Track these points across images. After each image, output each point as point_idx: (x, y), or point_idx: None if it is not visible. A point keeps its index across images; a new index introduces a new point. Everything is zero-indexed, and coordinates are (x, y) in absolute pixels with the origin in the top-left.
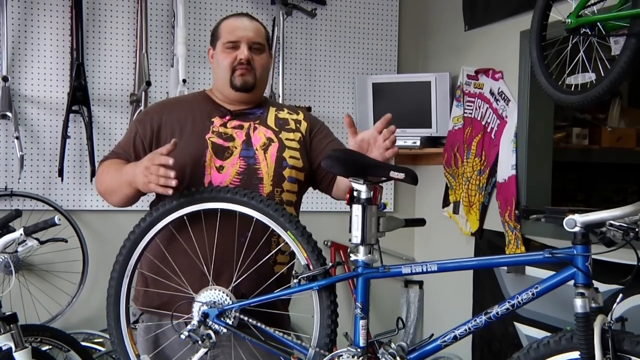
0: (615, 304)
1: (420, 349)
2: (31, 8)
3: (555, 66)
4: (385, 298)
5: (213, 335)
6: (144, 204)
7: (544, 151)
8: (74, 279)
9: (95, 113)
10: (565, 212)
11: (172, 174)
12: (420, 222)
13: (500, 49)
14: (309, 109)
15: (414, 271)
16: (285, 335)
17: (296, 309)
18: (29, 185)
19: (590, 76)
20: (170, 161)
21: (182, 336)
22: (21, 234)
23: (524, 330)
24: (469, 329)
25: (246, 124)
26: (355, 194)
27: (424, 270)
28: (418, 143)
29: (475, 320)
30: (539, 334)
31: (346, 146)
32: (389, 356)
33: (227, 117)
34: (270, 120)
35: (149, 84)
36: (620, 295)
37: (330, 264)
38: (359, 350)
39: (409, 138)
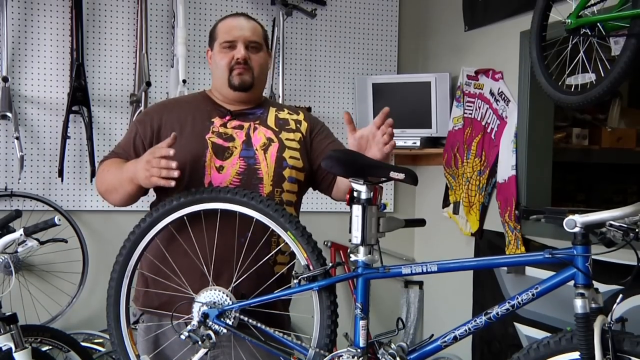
0: (615, 305)
1: (420, 350)
2: (31, 8)
3: (555, 66)
4: (385, 298)
5: (213, 335)
6: (144, 204)
7: (544, 151)
8: (74, 279)
9: (95, 113)
10: (565, 213)
11: (173, 164)
12: (420, 222)
13: (500, 49)
14: (309, 109)
15: (414, 271)
16: (285, 336)
17: (296, 310)
18: (29, 185)
19: (590, 76)
20: (172, 152)
21: (182, 336)
22: (21, 235)
23: (524, 330)
24: (469, 329)
25: (246, 124)
26: (355, 194)
27: (424, 270)
28: (418, 143)
29: (475, 320)
30: (539, 334)
31: (346, 144)
32: (389, 356)
33: (227, 117)
34: (271, 121)
35: (149, 84)
36: (620, 295)
37: (330, 264)
38: (359, 350)
39: (409, 138)
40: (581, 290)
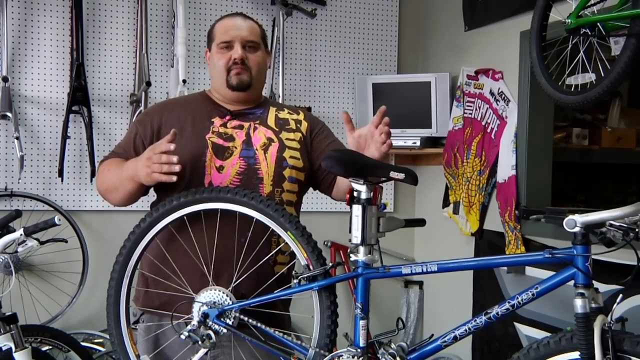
0: (615, 304)
1: (420, 349)
2: (31, 8)
3: (555, 66)
4: (385, 298)
5: (213, 335)
6: (144, 204)
7: (544, 151)
8: (74, 279)
9: (95, 113)
10: (565, 213)
11: (174, 158)
12: (420, 222)
13: (500, 49)
14: (309, 109)
15: (414, 271)
16: (285, 336)
17: (296, 309)
18: (29, 185)
19: (590, 76)
20: (172, 146)
21: (182, 336)
22: (21, 234)
23: (524, 330)
24: (469, 329)
25: (246, 124)
26: (355, 194)
27: (424, 270)
28: (418, 143)
29: (475, 320)
30: (539, 334)
31: (346, 144)
32: (389, 356)
33: (227, 117)
34: (271, 120)
35: (149, 84)
36: (620, 295)
37: (330, 264)
38: (359, 350)
39: (409, 138)
40: (581, 290)
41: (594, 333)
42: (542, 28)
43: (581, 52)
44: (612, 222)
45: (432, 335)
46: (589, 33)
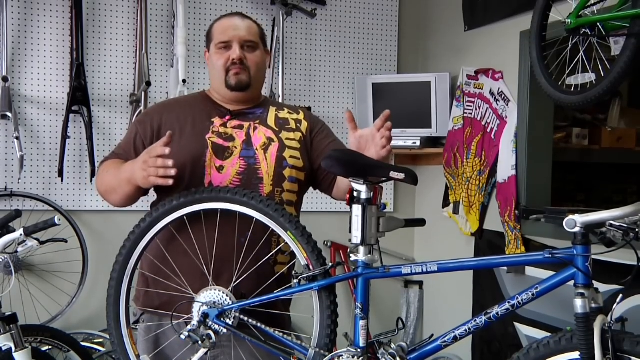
0: (615, 305)
1: (420, 349)
2: (31, 8)
3: (555, 66)
4: (385, 298)
5: (213, 335)
6: (144, 204)
7: (544, 151)
8: (74, 279)
9: (95, 113)
10: (565, 213)
11: (170, 162)
12: (420, 222)
13: (500, 49)
14: (309, 109)
15: (414, 271)
16: (285, 336)
17: (296, 310)
18: (29, 185)
19: (590, 76)
20: (167, 150)
21: (182, 336)
22: (21, 234)
23: (524, 330)
24: (469, 329)
25: (246, 124)
26: (355, 194)
27: (424, 270)
28: (418, 143)
29: (475, 320)
30: (539, 334)
31: (346, 143)
32: (389, 356)
33: (227, 117)
34: (271, 120)
35: (149, 84)
36: (620, 295)
37: (330, 264)
38: (359, 350)
39: (409, 138)
40: (581, 290)
41: (594, 333)
42: (542, 28)
43: (581, 52)
44: (612, 222)
45: (432, 335)
46: (589, 33)
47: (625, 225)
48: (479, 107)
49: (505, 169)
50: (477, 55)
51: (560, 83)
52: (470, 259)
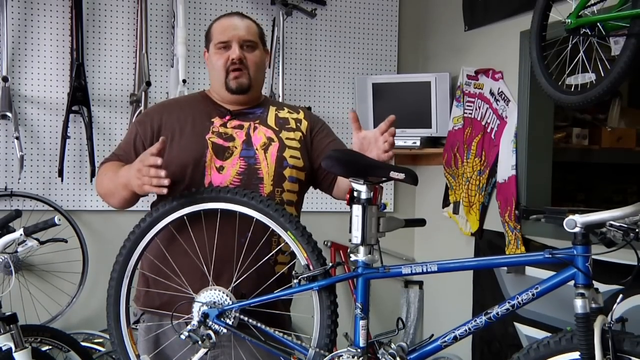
0: (615, 305)
1: (420, 349)
2: (31, 8)
3: (555, 66)
4: (385, 298)
5: (213, 335)
6: (144, 204)
7: (544, 151)
8: (74, 279)
9: (95, 113)
10: (565, 213)
11: (162, 173)
12: (420, 222)
13: (500, 49)
14: (309, 108)
15: (414, 271)
16: (285, 336)
17: (296, 310)
18: (29, 185)
19: (590, 76)
20: (159, 161)
21: (182, 336)
22: (21, 234)
23: (524, 330)
24: (469, 329)
25: (246, 124)
26: (355, 194)
27: (424, 270)
28: (418, 143)
29: (475, 320)
30: (539, 334)
31: (348, 144)
32: (389, 356)
33: (227, 117)
34: (271, 120)
35: (149, 84)
36: (621, 295)
37: (330, 264)
38: (359, 350)
39: (409, 138)
40: (581, 290)
41: (594, 333)
42: (542, 28)
43: (581, 52)
44: (612, 222)
45: (432, 335)
46: (589, 33)
47: (625, 225)
48: (479, 107)
49: (505, 169)
50: (477, 55)
51: (560, 83)
52: (470, 259)
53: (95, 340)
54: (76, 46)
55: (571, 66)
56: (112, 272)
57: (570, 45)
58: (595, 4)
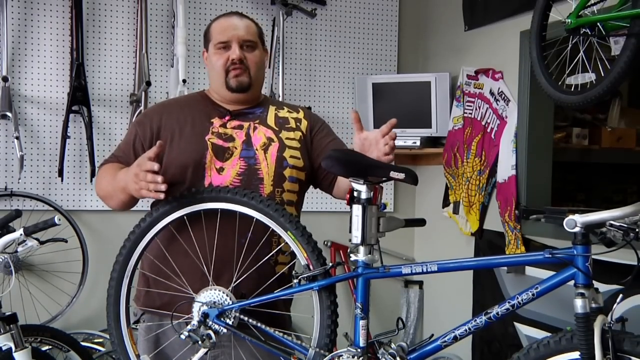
0: (615, 304)
1: (420, 349)
2: (31, 8)
3: (555, 66)
4: (385, 298)
5: (213, 335)
6: (144, 204)
7: (544, 151)
8: (74, 279)
9: (95, 113)
10: (565, 213)
11: (159, 179)
12: (420, 222)
13: (500, 49)
14: (309, 108)
15: (414, 271)
16: (285, 336)
17: (296, 310)
18: (29, 185)
19: (590, 76)
20: (156, 167)
21: (182, 336)
22: (21, 234)
23: (524, 330)
24: (469, 329)
25: (246, 124)
26: (355, 194)
27: (424, 270)
28: (418, 143)
29: (475, 320)
30: (539, 334)
31: (348, 144)
32: (389, 356)
33: (227, 118)
34: (270, 120)
35: (149, 84)
36: (621, 295)
37: (330, 264)
38: (359, 350)
39: (409, 138)
40: (581, 290)
41: (594, 333)
42: (542, 28)
43: (581, 52)
44: (612, 222)
45: (432, 335)
46: (589, 33)
47: (625, 225)
48: (479, 107)
49: (505, 168)
50: (477, 55)
51: (560, 83)
52: (470, 259)
53: (95, 340)
54: (76, 46)
55: (571, 66)
56: (112, 272)
57: (570, 45)
58: (595, 3)
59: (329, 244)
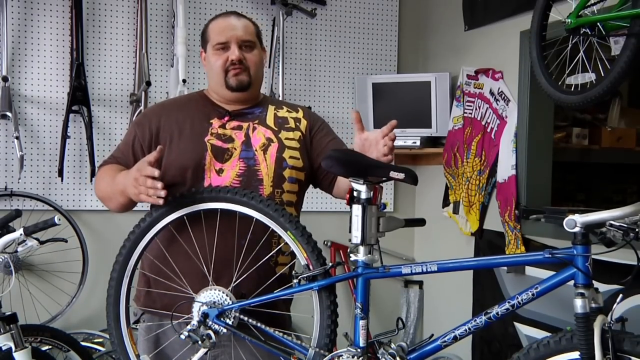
0: (615, 304)
1: (420, 349)
2: (31, 8)
3: (555, 66)
4: (385, 298)
5: (213, 335)
6: (144, 204)
7: (544, 151)
8: (74, 279)
9: (95, 113)
10: (565, 212)
11: (159, 184)
12: (420, 222)
13: (500, 49)
14: (309, 108)
15: (414, 271)
16: (285, 336)
17: (296, 309)
18: (29, 185)
19: (590, 76)
20: (156, 173)
21: (182, 336)
22: (21, 234)
23: (524, 330)
24: (469, 329)
25: (245, 124)
26: (355, 194)
27: (424, 270)
28: (418, 143)
29: (475, 320)
30: (539, 334)
31: (348, 143)
32: (389, 356)
33: (226, 118)
34: (270, 120)
35: (149, 84)
36: (620, 295)
37: (330, 264)
38: (358, 350)
39: (409, 138)
40: (581, 290)
41: (594, 333)
42: (542, 28)
43: (581, 51)
44: (612, 222)
45: (432, 335)
46: (589, 33)
47: (625, 225)
48: (479, 107)
49: (505, 168)
50: (477, 55)
51: (560, 83)
52: (470, 259)
53: (95, 340)
54: (76, 46)
55: (571, 66)
56: (112, 272)
57: (570, 45)
58: (595, 3)
59: (329, 244)
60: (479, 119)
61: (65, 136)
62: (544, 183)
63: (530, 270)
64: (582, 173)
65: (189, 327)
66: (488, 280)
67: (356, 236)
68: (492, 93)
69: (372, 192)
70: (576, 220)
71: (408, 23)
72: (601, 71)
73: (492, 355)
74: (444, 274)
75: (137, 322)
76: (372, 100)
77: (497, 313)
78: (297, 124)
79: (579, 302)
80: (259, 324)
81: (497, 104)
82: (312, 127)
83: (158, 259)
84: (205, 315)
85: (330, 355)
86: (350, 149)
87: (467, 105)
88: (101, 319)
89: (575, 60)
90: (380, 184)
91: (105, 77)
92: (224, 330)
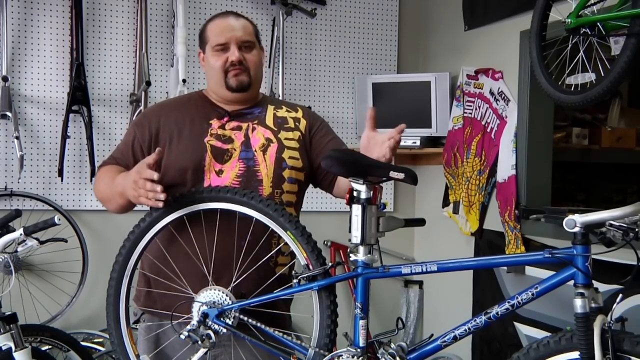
0: (615, 304)
1: (420, 349)
2: (31, 8)
3: (555, 66)
4: (385, 298)
5: (213, 335)
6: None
7: (544, 151)
8: (74, 279)
9: (95, 113)
10: (565, 212)
11: (158, 188)
12: (420, 222)
13: (500, 49)
14: (309, 108)
15: (413, 271)
16: (285, 336)
17: (296, 309)
18: (29, 185)
19: (590, 76)
20: (155, 176)
21: (182, 336)
22: (21, 234)
23: (523, 330)
24: (469, 329)
25: (244, 125)
26: (355, 194)
27: (424, 270)
28: (418, 143)
29: (475, 320)
30: (539, 334)
31: (348, 143)
32: (389, 356)
33: (225, 119)
34: (269, 120)
35: (148, 84)
36: (620, 295)
37: (330, 264)
38: (358, 350)
39: (409, 138)
40: (581, 290)
41: (594, 333)
42: (542, 28)
43: (581, 51)
44: (612, 222)
45: (432, 335)
46: (589, 33)
47: (625, 225)
48: (479, 107)
49: (505, 168)
50: (477, 55)
51: (560, 83)
52: (470, 258)
53: (95, 340)
54: (76, 46)
55: (571, 66)
56: (112, 272)
57: (570, 45)
58: (595, 3)
59: (328, 243)
60: (479, 118)
61: (65, 136)
62: (544, 183)
63: (530, 270)
64: (582, 173)
65: (188, 327)
66: (488, 280)
67: (356, 236)
68: (492, 93)
69: (372, 192)
70: (576, 220)
71: (408, 23)
72: (601, 71)
73: (492, 355)
74: (443, 274)
75: (137, 322)
76: (372, 100)
77: (497, 313)
78: (297, 123)
79: (578, 302)
80: (258, 324)
81: (497, 104)
82: (311, 127)
83: (158, 259)
84: (205, 315)
85: (330, 355)
86: (350, 149)
87: (467, 105)
88: (101, 319)
89: (575, 60)
90: (380, 184)
91: (105, 77)
92: (224, 330)
